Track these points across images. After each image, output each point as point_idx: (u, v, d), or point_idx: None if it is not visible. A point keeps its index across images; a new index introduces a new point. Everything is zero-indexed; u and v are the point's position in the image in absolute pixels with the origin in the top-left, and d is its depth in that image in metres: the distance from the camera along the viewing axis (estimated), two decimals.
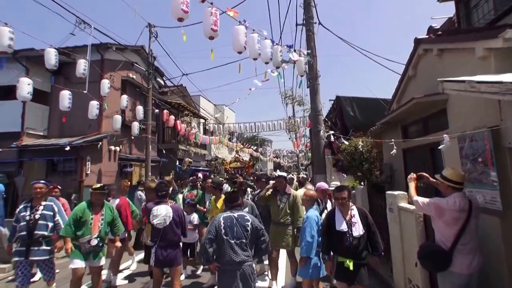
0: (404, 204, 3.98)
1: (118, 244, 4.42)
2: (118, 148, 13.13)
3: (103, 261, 4.24)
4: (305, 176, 21.14)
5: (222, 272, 3.05)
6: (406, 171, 5.40)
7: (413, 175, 3.21)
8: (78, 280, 4.05)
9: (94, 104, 9.47)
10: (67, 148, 10.29)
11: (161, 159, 16.95)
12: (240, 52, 4.74)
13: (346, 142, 6.32)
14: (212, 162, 26.10)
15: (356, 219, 3.29)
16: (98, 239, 4.08)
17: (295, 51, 6.74)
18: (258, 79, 7.81)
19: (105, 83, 9.68)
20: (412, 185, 3.15)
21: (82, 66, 8.29)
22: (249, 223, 3.13)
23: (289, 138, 21.19)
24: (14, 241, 4.24)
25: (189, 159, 19.99)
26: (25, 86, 6.88)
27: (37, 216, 4.19)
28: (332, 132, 6.91)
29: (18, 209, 4.31)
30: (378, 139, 6.38)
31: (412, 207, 3.57)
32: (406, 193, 3.72)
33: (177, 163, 18.61)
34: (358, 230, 3.22)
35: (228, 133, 23.15)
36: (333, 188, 3.94)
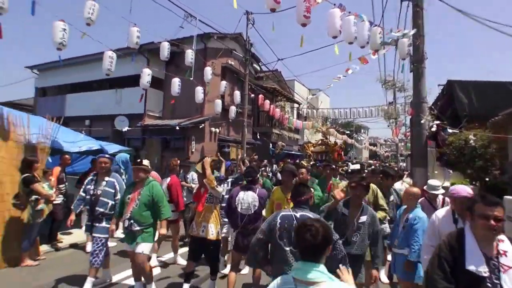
0: None
1: (162, 231, 3.84)
2: (217, 130, 14.45)
3: (141, 247, 3.61)
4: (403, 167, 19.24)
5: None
6: None
7: None
8: (132, 263, 3.83)
9: (199, 90, 10.56)
10: (177, 128, 11.89)
11: (256, 142, 17.89)
12: (335, 37, 4.58)
13: (455, 134, 5.50)
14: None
15: (510, 258, 1.91)
16: (132, 221, 3.61)
17: (398, 30, 6.11)
18: (355, 63, 7.40)
19: (208, 70, 10.63)
20: None
21: (189, 55, 9.29)
22: None
23: (388, 126, 19.35)
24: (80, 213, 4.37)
25: (282, 143, 20.50)
26: (146, 76, 8.19)
27: (98, 192, 4.06)
28: (438, 122, 6.07)
29: (86, 181, 4.32)
30: (501, 132, 5.35)
31: None
32: None
33: (271, 146, 19.37)
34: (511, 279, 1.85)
35: (322, 118, 22.64)
36: (457, 192, 2.80)
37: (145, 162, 3.85)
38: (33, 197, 4.94)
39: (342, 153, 14.98)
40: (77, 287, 4.07)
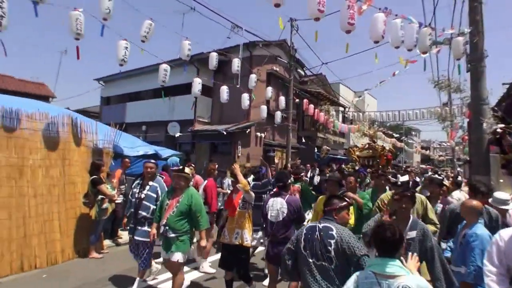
0: None
1: (203, 243, 3.75)
2: (263, 135, 14.69)
3: (175, 256, 3.58)
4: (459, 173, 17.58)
5: None
6: None
7: None
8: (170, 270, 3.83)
9: (245, 96, 10.89)
10: (224, 133, 12.35)
11: (300, 146, 17.81)
12: (376, 42, 4.48)
13: None
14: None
15: None
16: (167, 227, 3.59)
17: (452, 29, 5.75)
18: (402, 65, 7.10)
19: (253, 78, 10.92)
20: None
21: (236, 64, 9.65)
22: (332, 241, 2.26)
23: (443, 128, 17.76)
24: (128, 215, 4.38)
25: (327, 147, 20.11)
26: (197, 85, 8.72)
27: (142, 196, 4.11)
28: (503, 125, 5.54)
29: (133, 184, 4.39)
30: None
31: None
32: None
33: (315, 150, 19.12)
34: None
35: (369, 122, 21.77)
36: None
37: (187, 170, 3.82)
38: (99, 196, 5.56)
39: (391, 158, 13.57)
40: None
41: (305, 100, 15.16)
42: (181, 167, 3.98)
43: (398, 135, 28.42)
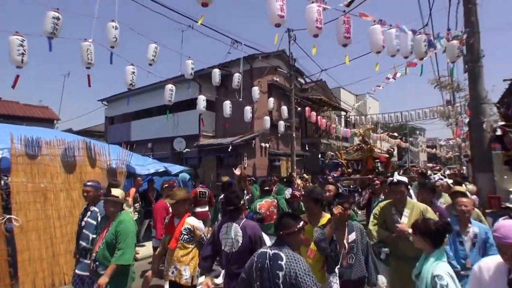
0: None
1: (102, 281, 2.88)
2: (267, 145, 14.90)
3: None
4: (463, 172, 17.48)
5: None
6: None
7: None
8: None
9: (248, 109, 11.14)
10: (230, 146, 12.57)
11: (305, 153, 17.97)
12: (378, 52, 4.71)
13: None
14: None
15: None
16: (97, 263, 3.06)
17: (447, 33, 5.96)
18: (400, 68, 7.32)
19: (255, 90, 11.18)
20: None
21: (236, 79, 9.90)
22: (281, 273, 1.96)
23: (448, 125, 17.79)
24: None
25: (331, 153, 20.24)
26: (201, 102, 9.02)
27: (83, 223, 3.61)
28: (503, 123, 5.70)
29: (82, 211, 3.89)
30: None
31: None
32: None
33: (320, 157, 19.26)
34: None
35: (372, 124, 21.91)
36: None
37: (116, 192, 3.24)
38: None
39: (386, 160, 12.00)
40: None
41: (307, 108, 15.40)
42: (108, 189, 3.34)
43: (400, 136, 28.32)
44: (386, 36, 4.86)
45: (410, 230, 2.61)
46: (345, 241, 2.76)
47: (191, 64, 7.60)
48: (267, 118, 12.64)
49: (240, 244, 2.85)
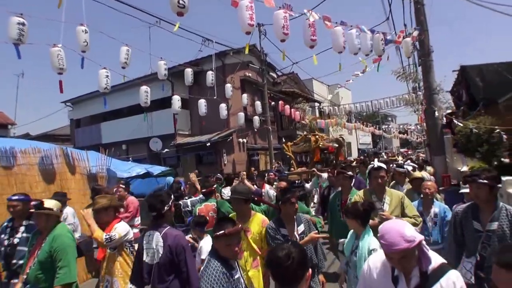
0: None
1: None
2: (245, 140, 15.23)
3: None
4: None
5: None
6: None
7: None
8: None
9: (223, 106, 11.37)
10: (207, 144, 12.78)
11: (282, 146, 18.47)
12: (340, 52, 5.13)
13: (461, 124, 5.81)
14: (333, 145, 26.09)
15: None
16: (28, 285, 2.74)
17: (401, 32, 6.51)
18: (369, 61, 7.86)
19: (228, 87, 11.43)
20: None
21: (210, 77, 10.07)
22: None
23: (415, 112, 18.92)
24: None
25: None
26: (176, 102, 9.21)
27: (15, 241, 3.28)
28: (449, 111, 6.37)
29: None
30: None
31: None
32: None
33: None
34: None
35: (345, 114, 22.74)
36: None
37: (49, 203, 2.87)
38: None
39: (334, 150, 11.34)
40: None
41: (280, 102, 15.84)
42: (40, 201, 2.93)
43: (372, 124, 29.56)
44: (348, 36, 5.29)
45: (394, 218, 2.79)
46: (295, 233, 2.86)
47: (164, 64, 7.74)
48: (242, 114, 12.94)
49: (160, 255, 2.52)
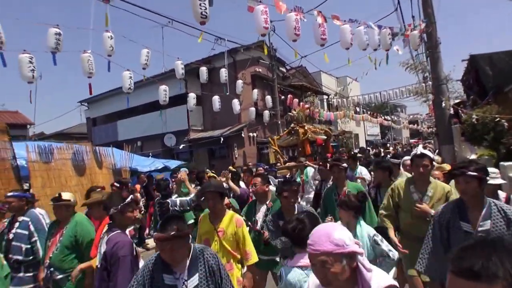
0: None
1: (74, 273, 2.88)
2: (255, 134, 15.57)
3: None
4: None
5: None
6: None
7: None
8: None
9: (236, 102, 11.70)
10: (220, 139, 13.18)
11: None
12: (347, 48, 5.39)
13: (464, 115, 6.02)
14: (340, 136, 26.17)
15: None
16: (52, 269, 2.94)
17: (409, 25, 6.70)
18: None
19: (239, 83, 11.74)
20: None
21: (223, 74, 10.41)
22: None
23: (425, 101, 18.85)
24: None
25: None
26: (191, 100, 9.63)
27: (11, 236, 3.39)
28: (458, 101, 6.57)
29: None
30: None
31: None
32: None
33: None
34: None
35: (354, 106, 22.77)
36: None
37: (66, 195, 3.14)
38: None
39: (322, 143, 10.41)
40: None
41: (289, 96, 16.06)
42: (58, 194, 3.15)
43: (381, 115, 29.37)
44: (356, 33, 5.54)
45: (433, 212, 2.53)
46: None
47: (181, 64, 8.09)
48: (253, 109, 13.24)
49: (100, 260, 2.42)
